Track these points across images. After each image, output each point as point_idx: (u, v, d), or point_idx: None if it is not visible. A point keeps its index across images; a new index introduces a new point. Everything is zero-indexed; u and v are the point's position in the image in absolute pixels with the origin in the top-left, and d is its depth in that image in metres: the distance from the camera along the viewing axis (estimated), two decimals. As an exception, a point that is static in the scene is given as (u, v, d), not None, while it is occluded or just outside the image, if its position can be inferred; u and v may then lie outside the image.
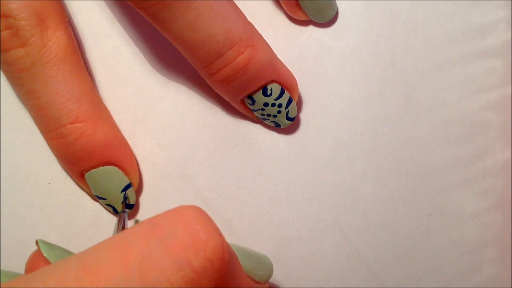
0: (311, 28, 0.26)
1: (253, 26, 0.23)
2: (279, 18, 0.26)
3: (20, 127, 0.25)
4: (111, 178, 0.23)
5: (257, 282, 0.20)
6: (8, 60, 0.22)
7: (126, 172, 0.24)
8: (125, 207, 0.24)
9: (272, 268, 0.22)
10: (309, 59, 0.25)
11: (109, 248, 0.15)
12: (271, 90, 0.23)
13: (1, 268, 0.24)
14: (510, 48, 0.26)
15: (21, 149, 0.25)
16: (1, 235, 0.24)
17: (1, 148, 0.25)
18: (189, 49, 0.22)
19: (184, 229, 0.15)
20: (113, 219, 0.25)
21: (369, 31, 0.26)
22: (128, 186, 0.24)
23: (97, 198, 0.24)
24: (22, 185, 0.24)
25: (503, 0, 0.26)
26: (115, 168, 0.23)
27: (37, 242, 0.20)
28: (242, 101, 0.24)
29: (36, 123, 0.24)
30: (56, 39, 0.22)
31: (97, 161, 0.23)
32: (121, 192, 0.23)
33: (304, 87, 0.25)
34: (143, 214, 0.25)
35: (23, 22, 0.21)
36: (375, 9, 0.26)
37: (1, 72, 0.25)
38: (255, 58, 0.22)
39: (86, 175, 0.23)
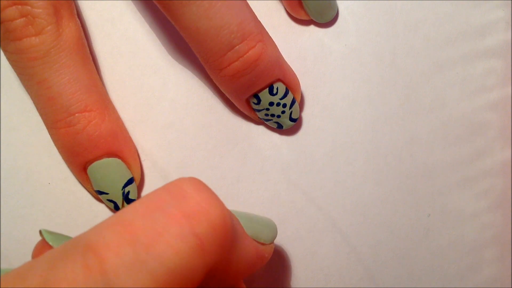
0: (311, 28, 0.26)
1: (261, 23, 0.23)
2: (280, 17, 0.26)
3: (20, 127, 0.25)
4: (114, 171, 0.23)
5: (263, 244, 0.20)
6: (21, 48, 0.22)
7: (129, 166, 0.24)
8: (126, 203, 0.24)
9: (276, 228, 0.22)
10: (309, 59, 0.25)
11: (113, 226, 0.15)
12: (277, 89, 0.23)
13: (1, 268, 0.24)
14: (510, 48, 0.26)
15: (21, 149, 0.25)
16: (1, 235, 0.24)
17: (1, 148, 0.25)
18: (201, 40, 0.22)
19: (184, 199, 0.16)
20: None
21: (369, 31, 0.26)
22: (131, 181, 0.24)
23: (98, 193, 0.24)
24: (22, 185, 0.24)
25: (503, 0, 0.26)
26: (118, 160, 0.23)
27: (40, 232, 0.20)
28: (247, 101, 0.24)
29: (42, 114, 0.24)
30: (69, 29, 0.22)
31: (101, 151, 0.23)
32: (123, 187, 0.23)
33: (304, 87, 0.25)
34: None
35: (40, 10, 0.21)
36: (375, 9, 0.26)
37: (1, 71, 0.25)
38: (265, 54, 0.22)
39: (89, 168, 0.23)
